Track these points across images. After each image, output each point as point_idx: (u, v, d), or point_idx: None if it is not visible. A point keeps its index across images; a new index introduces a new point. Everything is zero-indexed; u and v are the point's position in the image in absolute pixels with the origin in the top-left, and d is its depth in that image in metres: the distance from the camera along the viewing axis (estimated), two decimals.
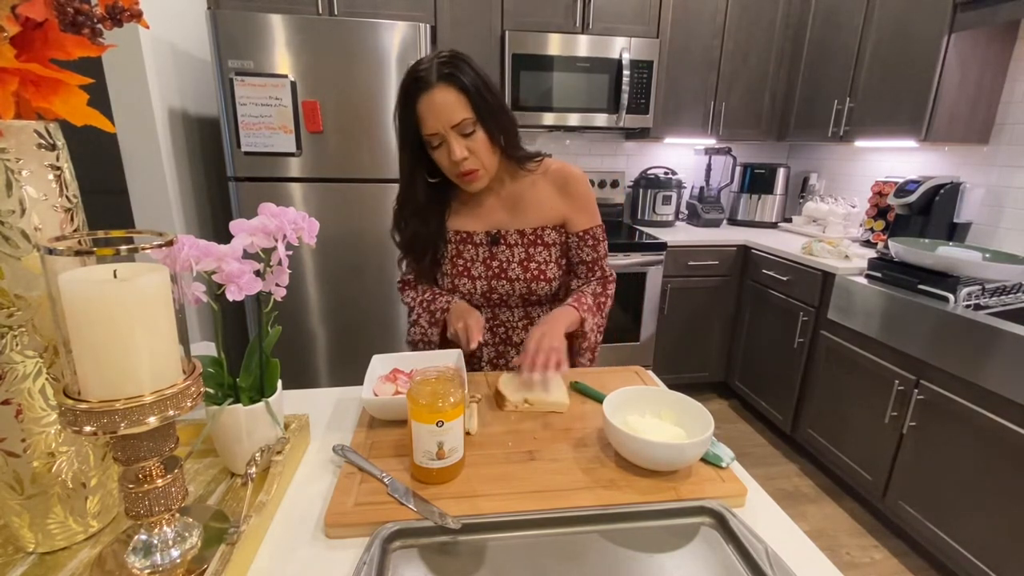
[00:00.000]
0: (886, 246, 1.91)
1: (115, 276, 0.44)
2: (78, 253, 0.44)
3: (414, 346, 1.10)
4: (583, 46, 2.37)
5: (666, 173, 2.84)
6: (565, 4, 2.37)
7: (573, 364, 1.09)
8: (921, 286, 1.69)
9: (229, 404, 0.65)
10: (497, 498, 0.64)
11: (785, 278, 2.27)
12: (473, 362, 1.11)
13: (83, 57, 0.50)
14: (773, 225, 2.85)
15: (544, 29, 2.36)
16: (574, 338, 1.05)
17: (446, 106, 0.90)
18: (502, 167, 1.04)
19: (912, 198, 2.04)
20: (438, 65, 0.90)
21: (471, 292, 1.07)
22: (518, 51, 2.32)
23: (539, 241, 1.07)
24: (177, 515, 0.53)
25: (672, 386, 0.85)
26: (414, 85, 0.91)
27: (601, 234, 1.11)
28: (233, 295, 0.61)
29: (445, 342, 1.07)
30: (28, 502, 0.53)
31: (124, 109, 1.78)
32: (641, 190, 2.80)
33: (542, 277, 1.06)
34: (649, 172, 2.84)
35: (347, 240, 2.08)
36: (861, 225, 2.47)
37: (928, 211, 2.05)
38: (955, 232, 2.07)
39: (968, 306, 1.58)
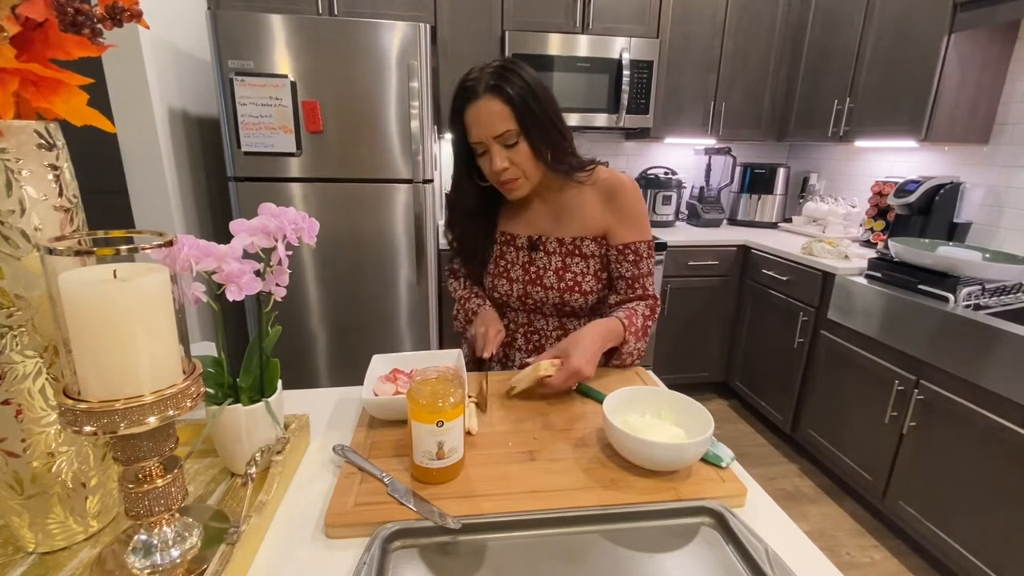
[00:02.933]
0: (886, 246, 1.91)
1: (115, 276, 0.44)
2: (78, 253, 0.44)
3: (460, 334, 1.17)
4: (583, 46, 2.37)
5: (666, 173, 2.84)
6: (565, 4, 2.37)
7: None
8: (921, 286, 1.69)
9: (229, 404, 0.65)
10: (497, 498, 0.64)
11: (785, 278, 2.27)
12: (489, 367, 1.12)
13: (83, 57, 0.50)
14: (773, 225, 2.85)
15: (544, 29, 2.36)
16: (611, 354, 1.01)
17: (490, 117, 0.91)
18: (550, 175, 1.03)
19: (912, 198, 2.04)
20: (487, 75, 0.91)
21: (508, 294, 1.08)
22: (518, 51, 2.32)
23: (577, 252, 1.05)
24: (177, 515, 0.53)
25: (672, 386, 0.85)
26: (463, 95, 0.93)
27: (646, 251, 1.05)
28: (233, 295, 0.61)
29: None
30: (28, 502, 0.53)
31: (124, 109, 1.78)
32: (641, 190, 2.79)
33: (576, 289, 1.04)
34: (649, 172, 2.84)
35: (347, 240, 2.08)
36: (861, 225, 2.47)
37: (928, 211, 2.05)
38: (955, 232, 2.07)
39: (968, 306, 1.58)
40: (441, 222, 1.29)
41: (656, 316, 1.08)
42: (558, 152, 0.99)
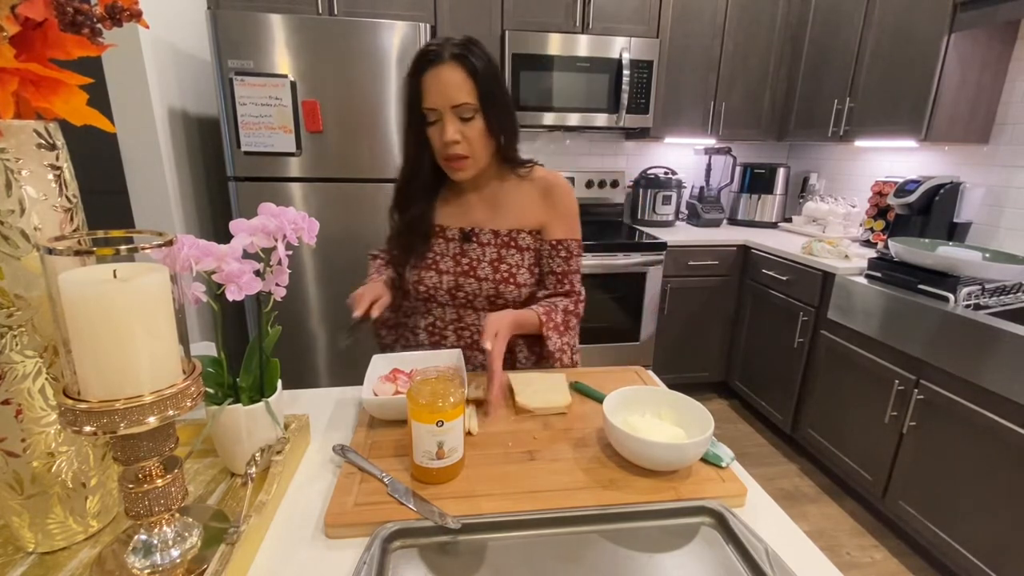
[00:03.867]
0: (886, 246, 1.91)
1: (115, 276, 0.44)
2: (78, 253, 0.44)
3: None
4: (583, 46, 2.37)
5: (666, 173, 2.84)
6: (565, 4, 2.37)
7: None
8: (921, 286, 1.69)
9: (229, 404, 0.65)
10: (497, 498, 0.64)
11: (785, 278, 2.27)
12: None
13: (83, 57, 0.50)
14: (773, 225, 2.85)
15: (544, 29, 2.36)
16: (542, 354, 1.06)
17: (451, 84, 0.89)
18: (492, 166, 1.03)
19: (912, 198, 2.04)
20: (452, 44, 0.90)
21: (436, 287, 1.04)
22: (518, 51, 2.32)
23: (512, 243, 1.04)
24: (177, 515, 0.53)
25: (672, 386, 0.85)
26: (424, 57, 0.91)
27: (576, 249, 1.07)
28: (233, 295, 0.61)
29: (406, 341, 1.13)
30: (28, 502, 0.53)
31: (124, 109, 1.77)
32: (641, 190, 2.80)
33: (512, 280, 1.03)
34: (649, 172, 2.84)
35: (347, 240, 2.08)
36: (861, 225, 2.47)
37: (928, 211, 2.05)
38: (955, 232, 2.07)
39: (968, 306, 1.58)
40: None
41: (580, 312, 1.09)
42: (510, 140, 0.99)
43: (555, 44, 2.35)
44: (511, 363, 1.14)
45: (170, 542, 0.52)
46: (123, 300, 0.43)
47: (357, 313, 0.92)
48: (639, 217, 2.83)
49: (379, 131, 2.00)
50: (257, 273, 0.63)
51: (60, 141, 0.52)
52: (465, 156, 0.95)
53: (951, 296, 1.60)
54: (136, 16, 0.50)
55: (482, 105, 0.92)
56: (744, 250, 2.55)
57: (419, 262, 1.06)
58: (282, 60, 1.87)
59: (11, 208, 0.47)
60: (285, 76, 1.88)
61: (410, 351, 1.03)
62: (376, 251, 1.21)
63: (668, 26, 2.47)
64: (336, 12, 2.14)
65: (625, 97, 2.42)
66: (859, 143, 2.40)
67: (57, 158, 0.51)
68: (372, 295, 0.98)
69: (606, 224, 2.87)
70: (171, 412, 0.46)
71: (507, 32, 2.31)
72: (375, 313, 0.95)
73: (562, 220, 1.05)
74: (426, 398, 0.64)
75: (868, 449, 1.87)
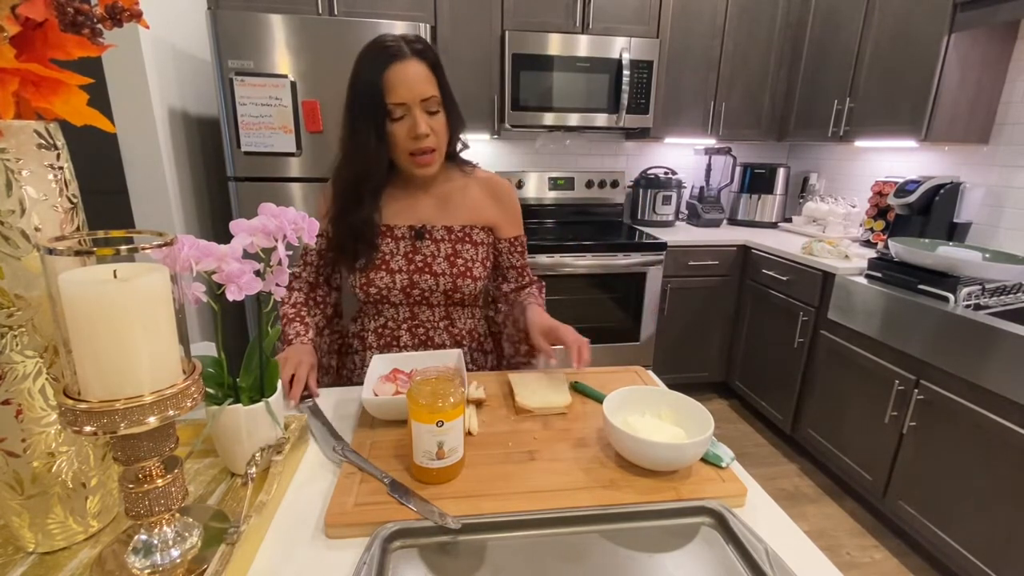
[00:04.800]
0: (886, 246, 1.91)
1: (115, 276, 0.44)
2: (78, 253, 0.44)
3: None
4: (583, 46, 2.37)
5: (666, 173, 2.84)
6: (565, 4, 2.37)
7: (525, 365, 1.12)
8: (921, 286, 1.69)
9: (229, 404, 0.65)
10: (497, 498, 0.64)
11: (785, 278, 2.27)
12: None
13: (83, 57, 0.50)
14: (773, 225, 2.85)
15: (544, 29, 2.36)
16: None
17: (419, 79, 0.90)
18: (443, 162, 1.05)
19: (912, 198, 2.04)
20: (408, 41, 0.91)
21: (389, 287, 1.03)
22: (518, 51, 2.32)
23: (467, 239, 1.06)
24: (177, 515, 0.53)
25: (672, 386, 0.85)
26: (383, 54, 0.90)
27: (525, 243, 1.15)
28: (233, 295, 0.61)
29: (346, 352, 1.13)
30: (28, 502, 0.53)
31: (124, 109, 1.78)
32: (641, 190, 2.80)
33: (468, 274, 1.05)
34: (649, 172, 2.84)
35: None
36: (861, 225, 2.47)
37: (928, 211, 2.05)
38: (955, 232, 2.07)
39: (968, 306, 1.58)
40: None
41: (543, 293, 1.15)
42: (458, 133, 1.02)
43: (555, 44, 2.35)
44: (500, 361, 1.17)
45: (170, 542, 0.52)
46: (123, 300, 0.43)
47: (292, 403, 0.86)
48: (639, 217, 2.83)
49: None
50: (257, 273, 0.63)
51: (60, 141, 0.52)
52: (434, 149, 0.96)
53: (951, 296, 1.60)
54: (136, 16, 0.50)
55: (444, 100, 0.95)
56: (744, 250, 2.55)
57: (365, 263, 1.03)
58: (282, 60, 1.87)
59: (11, 208, 0.47)
60: (285, 76, 1.88)
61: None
62: (295, 269, 1.08)
63: (668, 26, 2.47)
64: (336, 12, 2.14)
65: (625, 97, 2.41)
66: (859, 143, 2.40)
67: (57, 158, 0.51)
68: (301, 371, 0.89)
69: (606, 224, 2.87)
70: (171, 412, 0.46)
71: (507, 32, 2.31)
72: (313, 388, 0.90)
73: (513, 219, 1.12)
74: (426, 398, 0.64)
75: (868, 449, 1.87)
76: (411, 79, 0.90)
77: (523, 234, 1.14)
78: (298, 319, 1.01)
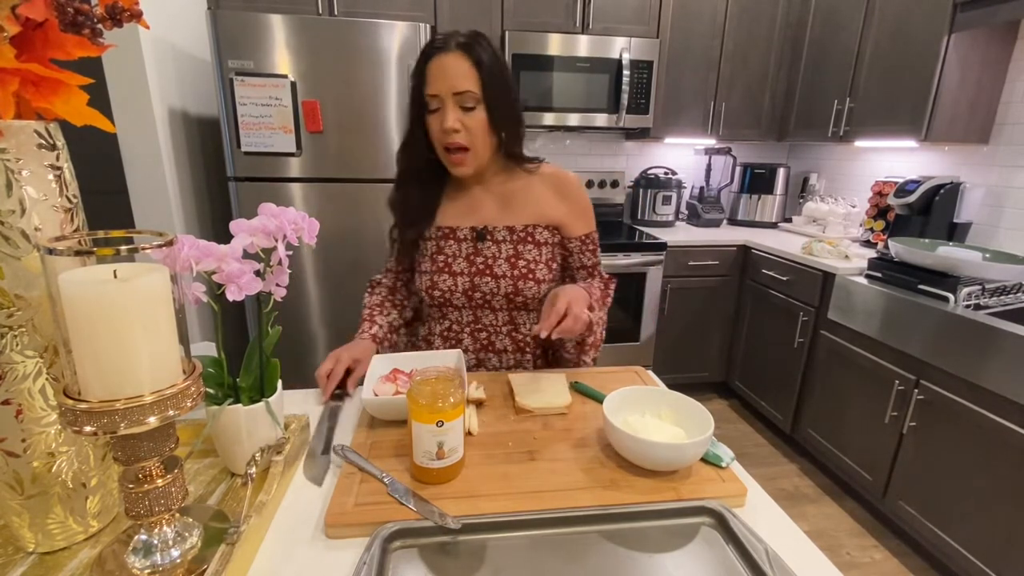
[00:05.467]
0: (886, 246, 1.91)
1: (115, 276, 0.44)
2: (78, 253, 0.44)
3: None
4: (583, 46, 2.37)
5: (666, 173, 2.84)
6: (565, 4, 2.37)
7: (577, 364, 1.09)
8: (921, 286, 1.69)
9: (229, 404, 0.65)
10: (497, 498, 0.64)
11: (785, 278, 2.27)
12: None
13: (83, 57, 0.50)
14: (773, 225, 2.85)
15: (544, 29, 2.36)
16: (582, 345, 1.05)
17: (455, 71, 0.90)
18: (498, 163, 1.03)
19: (912, 198, 2.04)
20: (459, 35, 0.91)
21: (452, 290, 1.02)
22: (518, 51, 2.32)
23: (530, 239, 1.03)
24: (177, 515, 0.53)
25: (672, 386, 0.85)
26: (431, 47, 0.91)
27: (597, 239, 1.09)
28: (233, 295, 0.61)
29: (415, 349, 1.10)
30: (28, 502, 0.53)
31: (124, 109, 1.77)
32: (641, 190, 2.80)
33: (531, 276, 1.01)
34: (649, 172, 2.84)
35: (347, 240, 2.08)
36: (861, 225, 2.47)
37: (928, 211, 2.05)
38: (955, 232, 2.07)
39: (968, 306, 1.58)
40: None
41: (611, 290, 1.10)
42: (513, 135, 0.99)
43: (555, 44, 2.35)
44: (549, 359, 1.12)
45: (170, 542, 0.52)
46: (123, 300, 0.43)
47: (324, 398, 0.88)
48: (639, 217, 2.83)
49: (379, 131, 2.00)
50: (257, 273, 0.63)
51: (60, 141, 0.52)
52: (465, 147, 0.94)
53: (951, 296, 1.60)
54: (136, 16, 0.50)
55: (485, 96, 0.91)
56: (744, 250, 2.55)
57: (429, 266, 1.04)
58: (282, 60, 1.87)
59: (11, 208, 0.47)
60: (285, 76, 1.88)
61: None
62: (378, 276, 1.16)
63: (668, 26, 2.47)
64: (336, 12, 2.14)
65: (625, 97, 2.42)
66: (859, 143, 2.40)
67: (57, 158, 0.51)
68: (339, 367, 0.91)
69: (606, 224, 2.87)
70: (171, 412, 0.46)
71: (507, 32, 2.31)
72: (350, 388, 0.92)
73: (582, 215, 1.06)
74: (426, 398, 0.64)
75: (868, 449, 1.87)
76: (447, 71, 0.90)
77: (595, 230, 1.07)
78: (368, 319, 1.06)
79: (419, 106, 0.95)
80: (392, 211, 1.08)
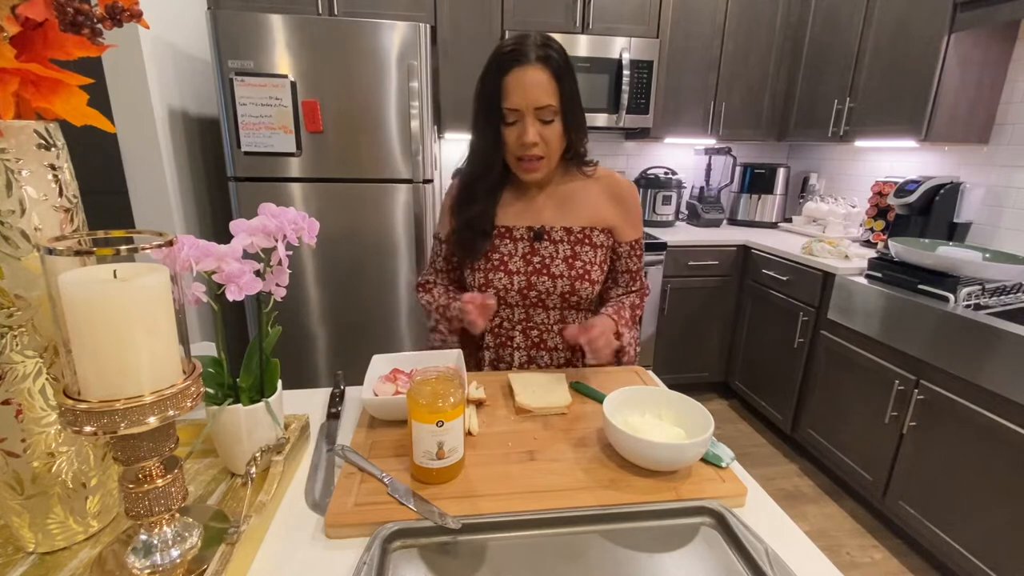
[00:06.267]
0: (886, 246, 1.91)
1: (115, 276, 0.44)
2: (78, 253, 0.44)
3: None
4: (583, 46, 2.37)
5: (666, 173, 2.84)
6: (565, 4, 2.37)
7: None
8: (921, 286, 1.69)
9: (229, 404, 0.65)
10: (497, 498, 0.64)
11: (785, 278, 2.27)
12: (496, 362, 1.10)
13: (83, 57, 0.50)
14: (773, 225, 2.85)
15: (544, 29, 2.35)
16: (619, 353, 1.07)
17: (537, 86, 0.90)
18: (558, 165, 1.04)
19: (912, 198, 2.04)
20: (536, 46, 0.90)
21: (507, 288, 1.04)
22: None
23: (587, 240, 1.05)
24: (177, 515, 0.53)
25: (672, 386, 0.85)
26: (508, 56, 0.90)
27: (643, 245, 1.12)
28: (233, 295, 0.61)
29: (466, 345, 1.08)
30: (28, 502, 0.53)
31: (124, 109, 1.78)
32: (641, 190, 2.79)
33: (587, 277, 1.03)
34: (649, 172, 2.84)
35: (347, 240, 2.08)
36: (861, 225, 2.47)
37: (928, 211, 2.05)
38: (955, 232, 2.07)
39: (968, 306, 1.58)
40: None
41: (645, 302, 1.13)
42: (580, 138, 1.01)
43: None
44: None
45: (170, 542, 0.52)
46: (123, 300, 0.43)
47: (481, 324, 0.93)
48: None
49: (379, 131, 2.00)
50: (257, 273, 0.63)
51: (60, 141, 0.52)
52: (542, 157, 0.96)
53: (951, 296, 1.60)
54: (136, 16, 0.50)
55: (563, 107, 0.93)
56: (744, 250, 2.55)
57: (484, 263, 1.05)
58: (282, 60, 1.87)
59: (11, 208, 0.47)
60: (285, 76, 1.88)
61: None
62: (425, 277, 1.17)
63: (668, 26, 2.47)
64: (336, 12, 2.14)
65: (625, 97, 2.42)
66: (859, 143, 2.40)
67: (57, 158, 0.51)
68: (485, 305, 0.95)
69: None
70: (171, 412, 0.46)
71: (507, 32, 2.31)
72: (483, 323, 0.95)
73: (634, 221, 1.09)
74: (426, 398, 0.64)
75: (868, 449, 1.87)
76: (528, 86, 0.89)
77: (642, 236, 1.11)
78: (454, 299, 1.05)
79: (495, 116, 0.94)
80: (455, 212, 1.07)
